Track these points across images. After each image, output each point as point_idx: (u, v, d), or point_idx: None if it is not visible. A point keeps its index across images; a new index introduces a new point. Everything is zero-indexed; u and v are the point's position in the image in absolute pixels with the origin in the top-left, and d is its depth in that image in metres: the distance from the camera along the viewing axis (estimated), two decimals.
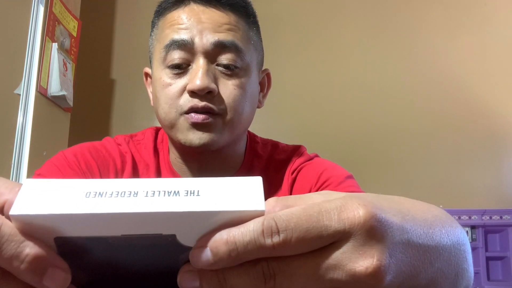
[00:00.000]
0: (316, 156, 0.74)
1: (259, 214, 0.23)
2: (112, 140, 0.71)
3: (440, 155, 2.28)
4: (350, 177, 0.68)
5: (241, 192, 0.24)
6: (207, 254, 0.23)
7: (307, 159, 0.71)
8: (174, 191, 0.23)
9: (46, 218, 0.22)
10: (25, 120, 1.61)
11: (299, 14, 2.40)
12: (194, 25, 0.61)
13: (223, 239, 0.23)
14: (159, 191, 0.23)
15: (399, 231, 0.25)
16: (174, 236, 0.23)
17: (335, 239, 0.23)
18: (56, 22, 1.79)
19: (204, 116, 0.59)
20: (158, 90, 0.63)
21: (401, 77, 2.35)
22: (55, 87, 1.73)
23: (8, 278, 0.23)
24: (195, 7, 0.62)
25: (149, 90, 0.72)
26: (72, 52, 1.92)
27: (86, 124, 2.19)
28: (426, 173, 2.26)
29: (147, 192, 0.23)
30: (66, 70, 1.84)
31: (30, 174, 1.59)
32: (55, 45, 1.75)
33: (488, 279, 2.05)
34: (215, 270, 0.24)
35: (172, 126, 0.62)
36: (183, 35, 0.61)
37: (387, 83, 2.34)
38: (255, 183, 0.24)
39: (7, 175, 1.54)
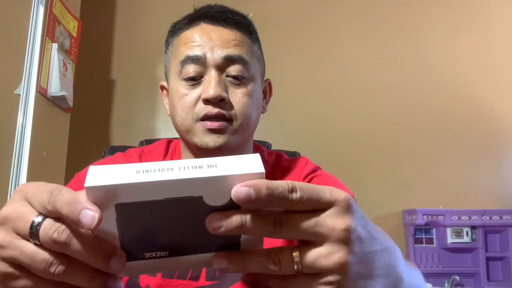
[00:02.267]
0: (320, 168, 0.80)
1: (261, 175, 0.32)
2: (122, 155, 0.79)
3: (440, 155, 2.29)
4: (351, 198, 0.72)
5: (247, 163, 0.33)
6: (250, 191, 0.31)
7: (314, 170, 0.79)
8: (199, 165, 0.32)
9: (109, 188, 0.30)
10: (25, 120, 1.61)
11: (298, 16, 2.40)
12: (205, 42, 0.70)
13: (265, 184, 0.31)
14: (189, 166, 0.32)
15: (361, 214, 0.37)
16: (201, 197, 0.32)
17: (325, 207, 0.34)
18: (56, 22, 1.79)
19: (218, 123, 0.69)
20: (175, 100, 0.72)
21: (400, 78, 2.35)
22: (55, 87, 1.73)
23: (74, 266, 0.32)
24: (205, 27, 0.72)
25: (165, 101, 0.80)
26: (72, 52, 1.93)
27: (86, 125, 2.20)
28: (426, 173, 2.26)
29: (179, 167, 0.32)
30: (66, 71, 1.84)
31: (30, 174, 1.60)
32: (55, 45, 1.76)
33: (488, 279, 2.06)
34: (239, 212, 0.32)
35: (188, 131, 0.71)
36: (197, 51, 0.70)
37: (387, 84, 2.34)
38: (255, 157, 0.34)
39: (7, 175, 1.54)
